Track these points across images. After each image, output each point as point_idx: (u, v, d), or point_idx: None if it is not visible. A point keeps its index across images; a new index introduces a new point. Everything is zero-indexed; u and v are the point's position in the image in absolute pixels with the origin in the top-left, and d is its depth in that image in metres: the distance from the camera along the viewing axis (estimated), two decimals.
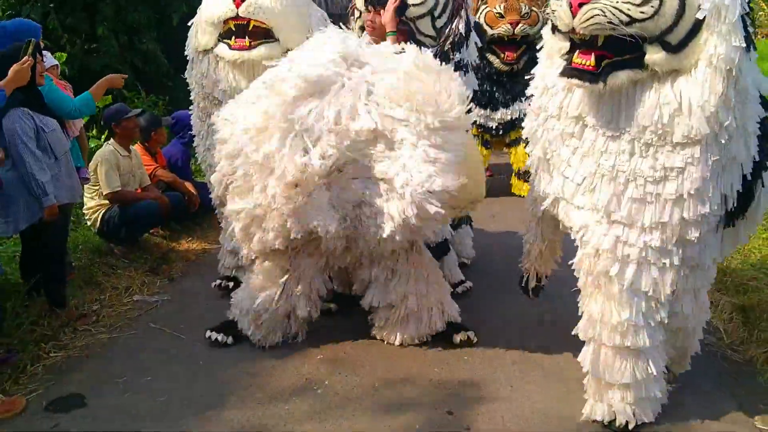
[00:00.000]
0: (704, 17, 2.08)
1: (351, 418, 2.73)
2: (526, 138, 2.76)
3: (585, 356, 2.60)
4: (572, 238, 2.58)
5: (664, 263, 2.34)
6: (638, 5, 2.06)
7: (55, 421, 2.74)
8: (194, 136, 4.08)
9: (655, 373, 2.49)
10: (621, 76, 2.18)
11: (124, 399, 2.89)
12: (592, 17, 2.08)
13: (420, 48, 3.06)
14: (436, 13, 3.45)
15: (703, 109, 2.11)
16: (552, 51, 2.46)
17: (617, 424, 2.54)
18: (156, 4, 7.86)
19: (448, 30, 3.50)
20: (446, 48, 3.46)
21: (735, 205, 2.31)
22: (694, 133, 2.14)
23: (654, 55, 2.14)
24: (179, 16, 7.38)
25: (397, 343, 3.28)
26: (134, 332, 3.61)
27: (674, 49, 2.11)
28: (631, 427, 2.53)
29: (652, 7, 2.07)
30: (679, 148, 2.19)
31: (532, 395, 2.88)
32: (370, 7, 3.51)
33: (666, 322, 2.46)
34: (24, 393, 2.93)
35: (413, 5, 3.37)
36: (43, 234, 3.47)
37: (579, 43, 2.23)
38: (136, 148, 5.02)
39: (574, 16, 2.11)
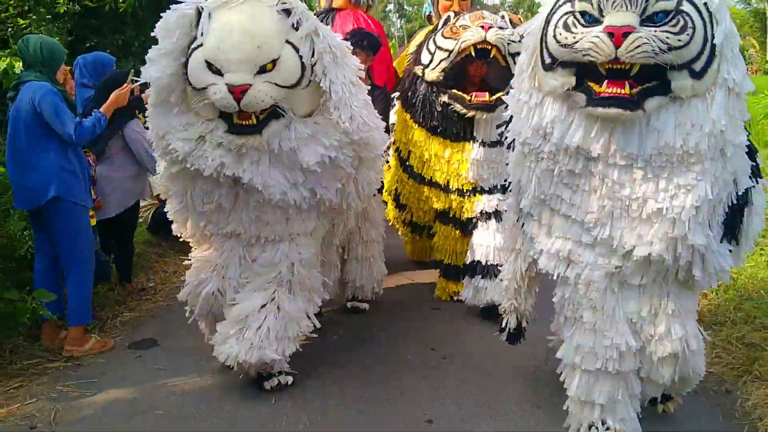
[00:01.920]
0: (719, 44, 2.16)
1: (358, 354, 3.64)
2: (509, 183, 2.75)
3: (572, 382, 2.62)
4: (553, 274, 2.58)
5: (661, 282, 2.43)
6: (676, 33, 2.10)
7: (138, 354, 3.67)
8: None
9: (633, 393, 2.57)
10: (653, 103, 2.19)
11: (187, 342, 3.80)
12: (639, 46, 2.08)
13: None
14: None
15: (718, 128, 2.18)
16: (541, 88, 2.38)
17: None
18: None
19: None
20: None
21: (727, 218, 2.35)
22: (710, 152, 2.21)
23: (681, 81, 2.17)
24: None
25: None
26: None
27: (698, 75, 2.17)
28: None
29: (687, 35, 2.11)
30: (692, 166, 2.23)
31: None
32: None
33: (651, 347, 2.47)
34: (110, 337, 3.86)
35: (513, 42, 3.58)
36: (118, 224, 4.41)
37: (606, 73, 2.19)
38: None
39: (616, 47, 2.09)
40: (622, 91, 2.16)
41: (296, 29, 2.73)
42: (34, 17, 5.90)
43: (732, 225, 2.38)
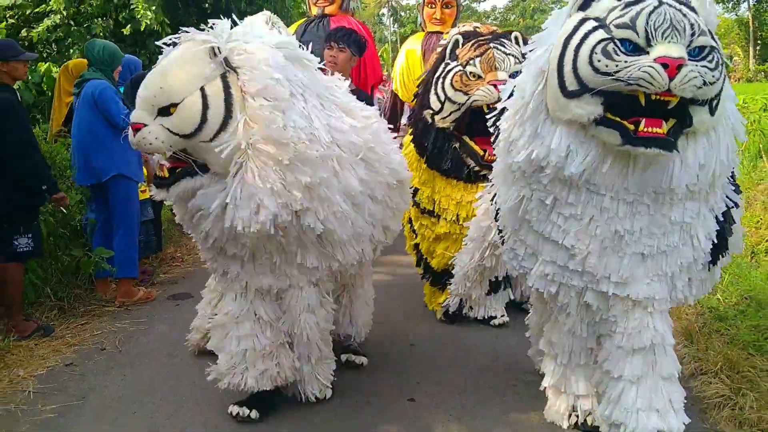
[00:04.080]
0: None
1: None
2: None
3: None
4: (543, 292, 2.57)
5: (650, 311, 2.41)
6: (712, 69, 2.05)
7: (176, 303, 4.50)
8: None
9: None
10: (681, 141, 2.15)
11: None
12: (692, 79, 2.00)
13: None
14: None
15: (725, 167, 2.23)
16: (555, 116, 2.22)
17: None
18: None
19: None
20: None
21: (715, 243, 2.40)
22: (702, 187, 2.23)
23: (701, 116, 2.12)
24: None
25: None
26: None
27: (713, 111, 2.13)
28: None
29: (719, 72, 2.07)
30: (688, 202, 2.26)
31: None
32: (332, 43, 3.92)
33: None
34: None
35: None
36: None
37: (645, 105, 2.07)
38: None
39: (670, 78, 1.98)
40: (660, 131, 2.07)
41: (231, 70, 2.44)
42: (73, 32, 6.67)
43: (717, 247, 2.43)
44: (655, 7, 2.06)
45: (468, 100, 3.49)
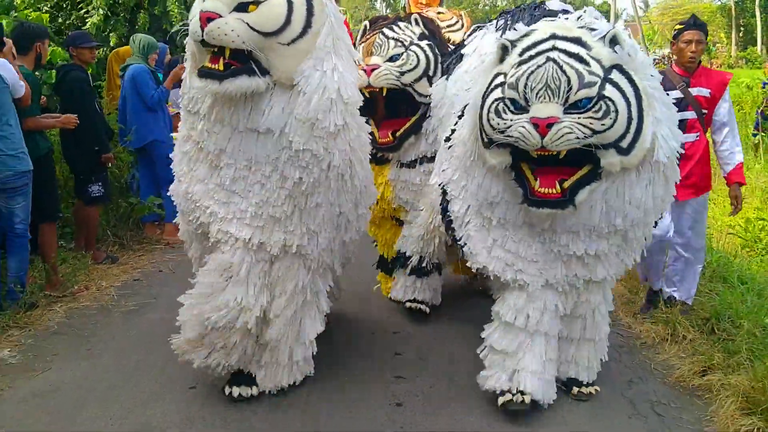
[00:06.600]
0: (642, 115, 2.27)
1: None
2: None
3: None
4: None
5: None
6: (599, 119, 2.19)
7: None
8: None
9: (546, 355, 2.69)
10: (583, 195, 2.32)
11: None
12: (563, 135, 2.16)
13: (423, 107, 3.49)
14: (431, 73, 3.53)
15: (643, 204, 2.40)
16: (485, 163, 2.53)
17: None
18: None
19: None
20: None
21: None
22: (629, 223, 2.46)
23: (609, 159, 2.26)
24: None
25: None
26: None
27: (625, 151, 2.26)
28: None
29: (610, 119, 2.19)
30: (611, 236, 2.50)
31: None
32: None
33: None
34: None
35: (407, 71, 3.45)
36: None
37: (537, 157, 2.28)
38: None
39: (542, 136, 2.17)
40: (553, 191, 2.30)
41: None
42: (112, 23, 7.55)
43: None
44: (537, 67, 2.25)
45: None
